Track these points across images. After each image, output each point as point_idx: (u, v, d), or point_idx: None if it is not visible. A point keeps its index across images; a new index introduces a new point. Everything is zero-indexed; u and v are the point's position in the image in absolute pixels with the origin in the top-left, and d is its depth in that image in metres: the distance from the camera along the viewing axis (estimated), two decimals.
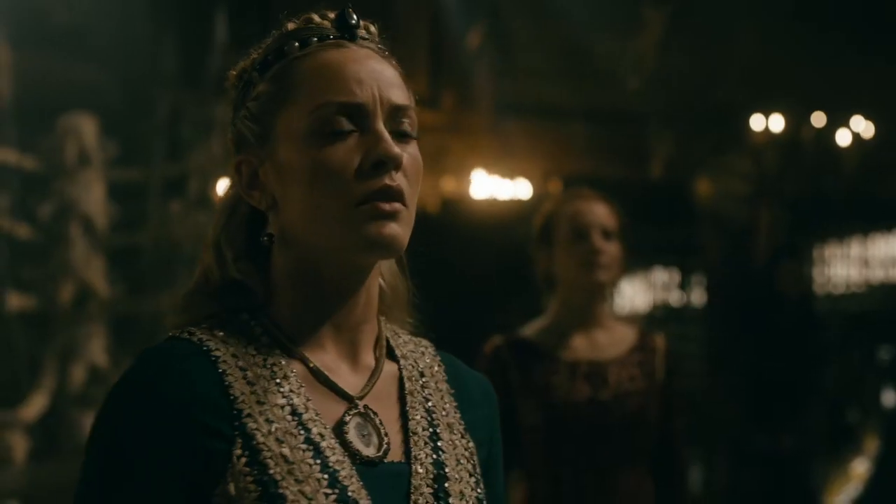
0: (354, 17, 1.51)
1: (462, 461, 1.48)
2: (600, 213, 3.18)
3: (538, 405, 3.11)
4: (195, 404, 1.37)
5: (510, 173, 7.28)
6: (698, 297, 9.26)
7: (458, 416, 1.51)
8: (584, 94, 7.53)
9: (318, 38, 1.49)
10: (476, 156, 7.34)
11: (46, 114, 5.66)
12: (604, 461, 3.11)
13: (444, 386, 1.53)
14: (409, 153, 1.45)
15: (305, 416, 1.40)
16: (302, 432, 1.39)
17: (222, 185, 5.52)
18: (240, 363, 1.42)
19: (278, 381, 1.42)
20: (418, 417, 1.47)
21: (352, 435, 1.41)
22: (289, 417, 1.40)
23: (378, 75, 1.46)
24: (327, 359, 1.46)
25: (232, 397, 1.39)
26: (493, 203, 7.27)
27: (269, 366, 1.43)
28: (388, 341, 1.53)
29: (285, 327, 1.46)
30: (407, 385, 1.50)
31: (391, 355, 1.52)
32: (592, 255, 3.14)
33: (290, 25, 1.51)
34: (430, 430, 1.47)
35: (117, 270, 5.99)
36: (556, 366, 3.14)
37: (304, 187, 1.43)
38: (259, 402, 1.40)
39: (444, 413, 1.50)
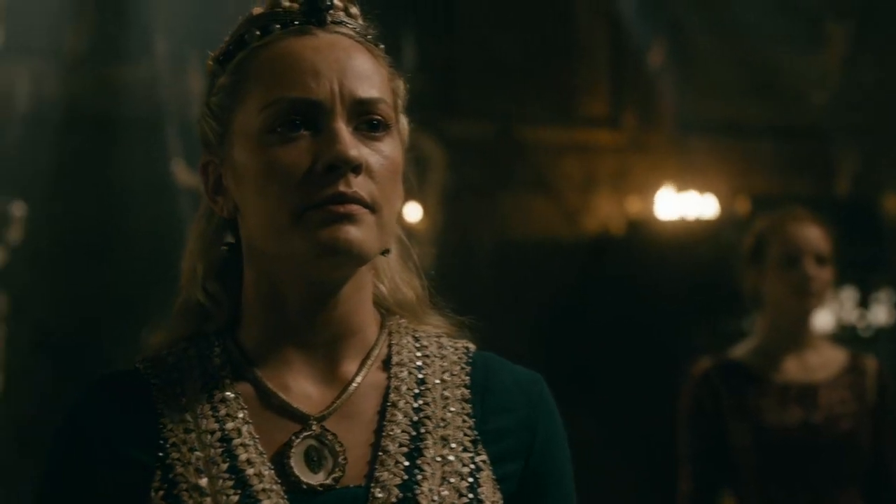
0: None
1: (451, 479, 1.32)
2: (814, 237, 3.18)
3: (750, 428, 3.15)
4: (119, 437, 1.33)
5: (697, 191, 7.27)
6: (885, 314, 9.10)
7: (469, 424, 1.36)
8: (770, 110, 7.48)
9: (282, 25, 1.37)
10: (660, 175, 7.34)
11: None
12: (816, 484, 3.13)
13: (457, 392, 1.38)
14: (378, 152, 1.34)
15: (235, 442, 1.32)
16: (227, 460, 1.31)
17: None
18: (178, 391, 1.36)
19: (215, 405, 1.35)
20: (396, 432, 1.33)
21: (295, 460, 1.31)
22: (216, 444, 1.32)
23: (342, 65, 1.34)
24: (290, 378, 1.36)
25: (160, 426, 1.34)
26: (679, 223, 7.27)
27: (209, 390, 1.36)
28: (390, 349, 1.40)
29: (250, 347, 1.38)
30: (391, 397, 1.36)
31: (387, 365, 1.39)
32: (805, 283, 3.15)
33: (256, 10, 1.40)
34: (411, 446, 1.33)
35: None
36: (768, 388, 3.17)
37: (255, 192, 1.34)
38: (187, 430, 1.33)
39: (440, 424, 1.35)
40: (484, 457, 1.35)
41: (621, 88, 7.63)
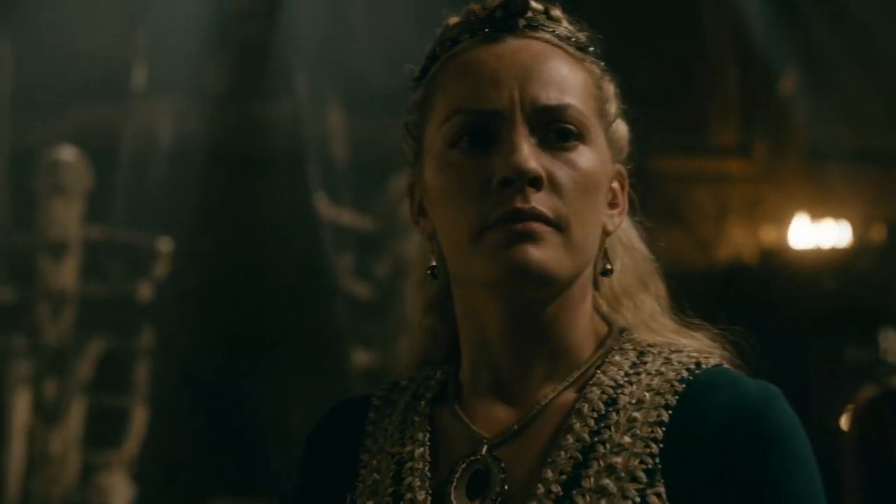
0: (518, 2, 1.31)
1: None
2: None
3: None
4: (335, 461, 1.35)
5: (831, 219, 7.23)
6: None
7: (651, 451, 1.20)
8: None
9: (471, 34, 1.30)
10: (793, 204, 7.31)
11: (378, 175, 6.00)
12: None
13: (651, 414, 1.23)
14: (567, 164, 1.25)
15: (407, 466, 1.30)
16: (394, 484, 1.29)
17: None
18: (388, 415, 1.35)
19: (405, 428, 1.33)
20: (562, 458, 1.22)
21: (457, 486, 1.26)
22: (392, 467, 1.31)
23: (526, 71, 1.26)
24: (483, 401, 1.30)
25: (363, 449, 1.34)
26: (814, 251, 7.24)
27: (408, 415, 1.34)
28: (600, 368, 1.29)
29: (462, 374, 1.33)
30: (571, 419, 1.24)
31: (585, 385, 1.29)
32: None
33: (452, 20, 1.33)
34: (571, 473, 1.22)
35: None
36: None
37: (441, 212, 1.28)
38: (378, 453, 1.33)
39: (613, 450, 1.21)
40: (660, 489, 1.19)
41: (752, 116, 7.61)
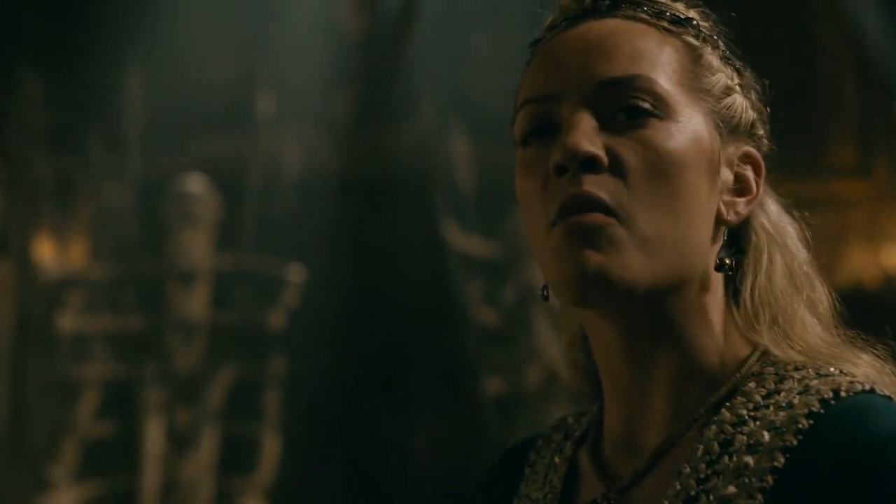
0: None
1: None
2: None
3: None
4: (495, 498, 1.31)
5: None
6: None
7: (758, 501, 1.07)
8: None
9: (552, 27, 1.20)
10: None
11: (504, 201, 6.06)
12: None
13: (765, 459, 1.08)
14: (638, 141, 1.11)
15: None
16: None
17: None
18: (542, 457, 1.28)
19: (547, 472, 1.26)
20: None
21: None
22: None
23: (592, 47, 1.14)
24: (613, 443, 1.21)
25: (517, 493, 1.29)
26: None
27: (552, 457, 1.27)
28: (733, 396, 1.14)
29: (604, 411, 1.23)
30: (682, 465, 1.12)
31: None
32: None
33: (548, 18, 1.23)
34: None
35: None
36: None
37: (525, 220, 1.17)
38: (526, 496, 1.27)
39: (715, 501, 1.09)
40: None
41: (871, 135, 7.56)
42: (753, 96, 1.22)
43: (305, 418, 5.95)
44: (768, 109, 1.24)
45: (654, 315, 1.13)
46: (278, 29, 6.24)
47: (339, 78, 6.18)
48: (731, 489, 1.07)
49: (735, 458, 1.08)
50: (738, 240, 1.19)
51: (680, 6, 1.20)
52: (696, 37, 1.18)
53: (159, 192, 6.00)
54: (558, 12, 1.20)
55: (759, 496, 1.06)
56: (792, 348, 1.15)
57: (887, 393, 1.11)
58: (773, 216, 1.22)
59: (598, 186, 1.08)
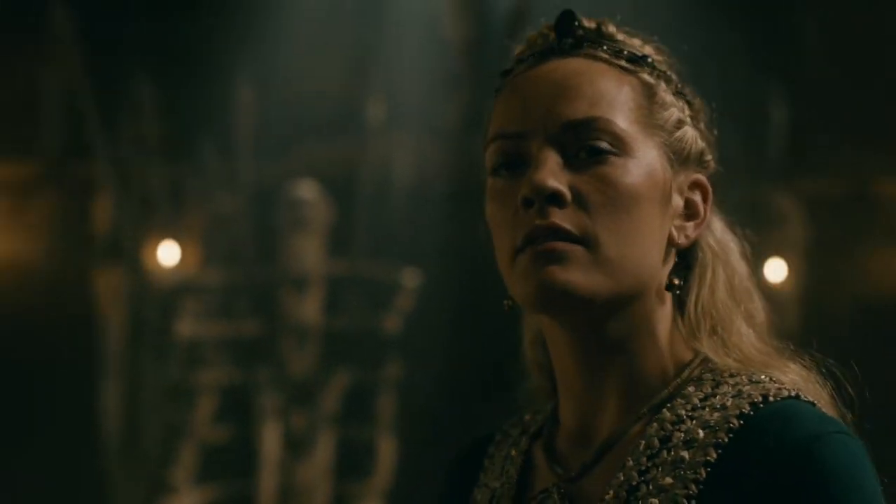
0: (565, 22, 1.32)
1: None
2: None
3: None
4: (459, 492, 1.45)
5: None
6: None
7: (689, 493, 1.18)
8: None
9: (520, 60, 1.34)
10: None
11: None
12: None
13: (699, 454, 1.20)
14: (597, 178, 1.24)
15: (490, 500, 1.38)
16: None
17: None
18: (499, 452, 1.42)
19: (504, 464, 1.39)
20: (609, 498, 1.23)
21: None
22: (487, 502, 1.39)
23: (557, 89, 1.26)
24: (565, 437, 1.34)
25: (477, 482, 1.43)
26: None
27: (509, 450, 1.40)
28: (669, 400, 1.26)
29: (559, 408, 1.35)
30: (626, 458, 1.25)
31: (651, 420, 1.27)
32: None
33: (518, 49, 1.37)
34: None
35: None
36: None
37: (494, 241, 1.31)
38: (485, 485, 1.41)
39: (653, 492, 1.20)
40: None
41: None
42: (702, 125, 1.36)
43: (420, 422, 6.01)
44: (716, 133, 1.36)
45: (607, 325, 1.26)
46: (386, 36, 6.32)
47: (448, 84, 6.24)
48: (668, 480, 1.19)
49: (673, 453, 1.20)
50: (686, 257, 1.33)
51: (636, 42, 1.34)
52: (651, 74, 1.32)
53: (271, 199, 6.09)
54: (526, 46, 1.34)
55: (693, 487, 1.18)
56: (728, 356, 1.27)
57: (811, 399, 1.22)
58: (718, 234, 1.35)
59: (562, 218, 1.22)
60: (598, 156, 1.24)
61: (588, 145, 1.24)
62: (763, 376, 1.24)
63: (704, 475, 1.18)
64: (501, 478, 1.37)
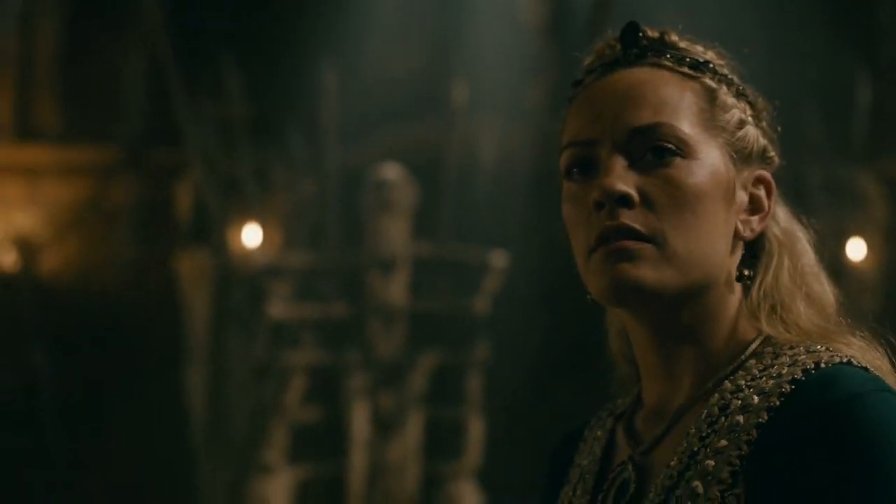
0: (629, 34, 1.40)
1: None
2: None
3: None
4: (559, 473, 1.52)
5: None
6: None
7: (740, 454, 1.25)
8: None
9: (589, 71, 1.41)
10: None
11: None
12: None
13: (752, 418, 1.27)
14: (662, 179, 1.31)
15: (579, 477, 1.46)
16: (569, 493, 1.46)
17: None
18: (592, 432, 1.50)
19: (592, 444, 1.48)
20: (674, 464, 1.30)
21: (606, 495, 1.38)
22: (573, 479, 1.47)
23: (623, 98, 1.34)
24: (644, 417, 1.42)
25: (573, 463, 1.50)
26: None
27: (598, 430, 1.49)
28: (735, 372, 1.34)
29: (642, 392, 1.44)
30: (690, 427, 1.33)
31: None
32: None
33: (585, 59, 1.43)
34: (677, 479, 1.29)
35: None
36: None
37: (571, 240, 1.38)
38: (577, 465, 1.49)
39: (710, 455, 1.28)
40: (738, 491, 1.24)
41: None
42: (764, 124, 1.42)
43: (508, 401, 6.09)
44: (779, 129, 1.43)
45: (678, 314, 1.35)
46: (468, 19, 6.39)
47: (530, 66, 6.31)
48: (723, 442, 1.26)
49: (729, 418, 1.28)
50: (754, 248, 1.41)
51: (699, 49, 1.41)
52: (713, 78, 1.38)
53: (356, 182, 6.17)
54: (594, 57, 1.41)
55: (745, 448, 1.25)
56: (788, 331, 1.35)
57: (864, 365, 1.30)
58: (783, 224, 1.43)
59: (631, 219, 1.30)
60: (663, 158, 1.32)
61: (654, 146, 1.32)
62: (820, 346, 1.32)
63: (756, 435, 1.25)
64: (590, 456, 1.47)
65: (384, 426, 5.96)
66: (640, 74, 1.36)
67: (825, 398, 1.23)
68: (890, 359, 1.34)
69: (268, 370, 6.04)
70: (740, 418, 1.27)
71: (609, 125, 1.32)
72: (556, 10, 6.41)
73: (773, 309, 1.37)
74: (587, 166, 1.34)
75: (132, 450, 6.53)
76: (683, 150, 1.32)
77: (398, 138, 6.41)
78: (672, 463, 1.30)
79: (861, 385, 1.24)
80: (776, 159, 1.43)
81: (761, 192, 1.40)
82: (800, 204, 1.48)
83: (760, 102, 1.43)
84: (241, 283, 6.21)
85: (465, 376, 6.12)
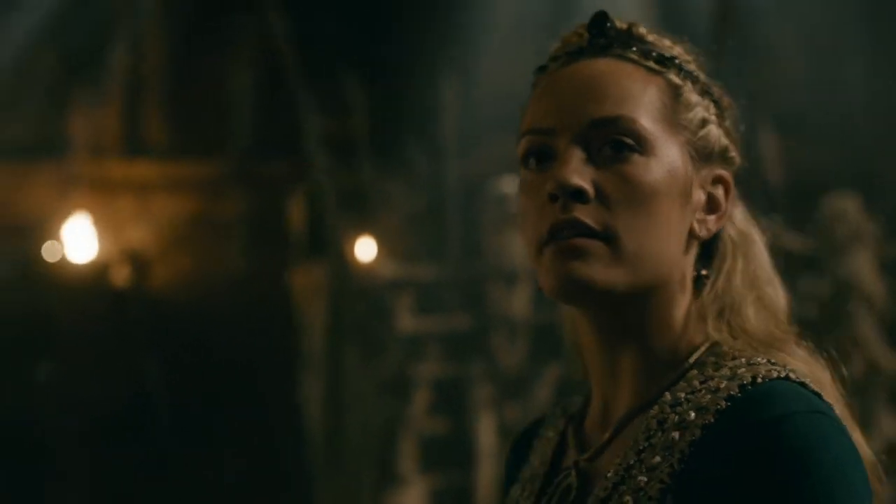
0: (598, 23, 1.38)
1: None
2: None
3: None
4: (515, 468, 1.53)
5: None
6: None
7: (670, 471, 1.25)
8: None
9: (554, 58, 1.40)
10: None
11: (811, 197, 6.27)
12: None
13: (686, 434, 1.27)
14: (619, 175, 1.30)
15: (529, 477, 1.47)
16: (518, 493, 1.47)
17: None
18: (546, 431, 1.50)
19: (541, 446, 1.48)
20: (610, 478, 1.30)
21: (552, 499, 1.38)
22: (524, 479, 1.48)
23: (585, 88, 1.33)
24: (592, 420, 1.42)
25: (526, 460, 1.51)
26: None
27: (550, 430, 1.49)
28: (678, 382, 1.33)
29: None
30: (630, 441, 1.32)
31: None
32: None
33: (552, 46, 1.42)
34: (611, 492, 1.30)
35: None
36: None
37: (522, 229, 1.37)
38: (529, 464, 1.49)
39: (643, 471, 1.28)
40: None
41: None
42: (728, 122, 1.42)
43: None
44: (743, 128, 1.43)
45: (625, 311, 1.33)
46: None
47: None
48: (657, 459, 1.26)
49: (666, 434, 1.27)
50: (709, 248, 1.41)
51: (666, 43, 1.41)
52: (678, 74, 1.37)
53: (471, 194, 6.30)
54: (561, 45, 1.41)
55: (677, 465, 1.24)
56: (733, 336, 1.34)
57: (803, 380, 1.28)
58: (740, 226, 1.43)
59: (584, 214, 1.28)
60: (621, 153, 1.30)
61: (613, 139, 1.30)
62: (761, 358, 1.29)
63: (688, 453, 1.25)
64: (542, 457, 1.47)
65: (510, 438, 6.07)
66: (605, 66, 1.35)
67: (753, 418, 1.22)
68: (830, 370, 1.34)
69: (398, 383, 6.17)
70: (675, 434, 1.27)
71: (569, 115, 1.31)
72: (673, 24, 6.54)
73: (721, 312, 1.36)
74: (544, 155, 1.33)
75: (247, 463, 6.66)
76: (642, 145, 1.31)
77: (515, 151, 6.53)
78: (609, 475, 1.30)
79: (791, 405, 1.23)
80: (737, 159, 1.42)
81: (719, 192, 1.39)
82: None
83: (725, 101, 1.42)
84: (361, 297, 6.33)
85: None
